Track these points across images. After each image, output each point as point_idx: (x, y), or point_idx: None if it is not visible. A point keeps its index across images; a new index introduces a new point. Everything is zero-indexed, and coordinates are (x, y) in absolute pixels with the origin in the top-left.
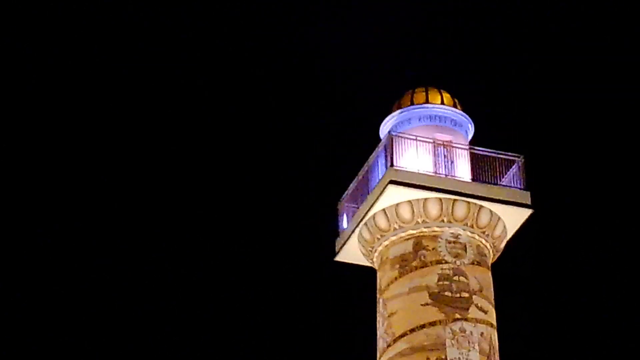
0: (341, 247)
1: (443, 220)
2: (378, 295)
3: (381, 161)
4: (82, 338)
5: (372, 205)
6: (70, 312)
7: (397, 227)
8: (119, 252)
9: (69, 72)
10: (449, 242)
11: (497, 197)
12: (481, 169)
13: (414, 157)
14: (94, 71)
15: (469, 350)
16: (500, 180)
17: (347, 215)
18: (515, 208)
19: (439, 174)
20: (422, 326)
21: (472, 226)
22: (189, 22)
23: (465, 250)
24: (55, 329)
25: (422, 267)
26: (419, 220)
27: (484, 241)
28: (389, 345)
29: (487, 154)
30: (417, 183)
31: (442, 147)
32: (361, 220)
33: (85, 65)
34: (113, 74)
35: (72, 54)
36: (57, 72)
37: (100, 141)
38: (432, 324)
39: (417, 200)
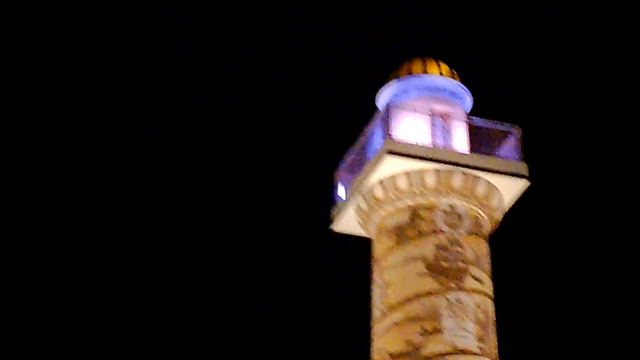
0: (337, 217)
1: (440, 191)
2: (374, 265)
3: (378, 132)
4: (81, 338)
5: (369, 176)
6: (69, 312)
7: (393, 198)
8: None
9: (68, 71)
10: (446, 213)
11: (494, 168)
12: (479, 140)
13: (411, 128)
14: (92, 70)
15: (465, 320)
16: (497, 151)
17: (344, 186)
18: (512, 179)
19: (437, 145)
20: (418, 296)
21: (468, 197)
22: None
23: (462, 221)
24: (55, 328)
25: (419, 237)
26: (416, 190)
27: (480, 212)
28: (384, 314)
29: (484, 125)
30: (414, 154)
31: (439, 118)
32: (358, 190)
33: (84, 64)
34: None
35: (71, 54)
36: (56, 71)
37: (97, 140)
38: (428, 293)
39: (414, 171)
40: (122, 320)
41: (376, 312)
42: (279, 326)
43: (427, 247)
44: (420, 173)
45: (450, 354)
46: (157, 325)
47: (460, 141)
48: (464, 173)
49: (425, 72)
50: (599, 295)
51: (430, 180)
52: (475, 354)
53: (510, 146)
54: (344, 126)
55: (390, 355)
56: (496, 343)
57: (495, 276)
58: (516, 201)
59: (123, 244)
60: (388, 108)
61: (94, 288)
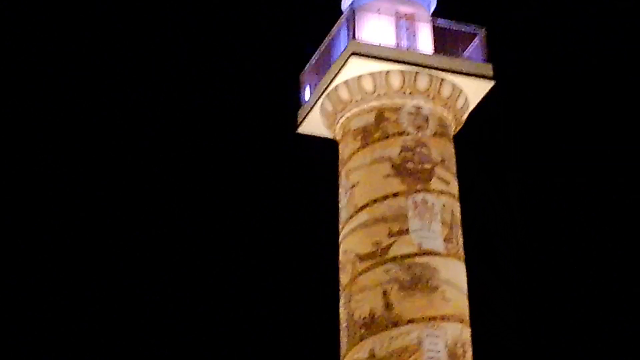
0: (303, 119)
1: (405, 93)
2: (340, 167)
3: (343, 33)
4: (81, 338)
5: (334, 77)
6: (69, 312)
7: (359, 99)
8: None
9: (68, 71)
10: (411, 114)
11: (459, 69)
12: (443, 42)
13: (376, 29)
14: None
15: (431, 222)
16: (462, 52)
17: (309, 87)
18: (477, 80)
19: (401, 46)
20: (385, 197)
21: (434, 98)
22: None
23: (427, 122)
24: (55, 328)
25: (384, 138)
26: (381, 92)
27: (445, 113)
28: (351, 217)
29: (449, 26)
30: (379, 55)
31: (404, 19)
32: (323, 92)
33: (84, 64)
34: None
35: (71, 54)
36: (56, 71)
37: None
38: (395, 195)
39: (379, 72)
40: (122, 320)
41: (343, 214)
42: (251, 227)
43: (392, 149)
44: (385, 74)
45: (416, 254)
46: (152, 321)
47: (425, 43)
48: (429, 74)
49: None
50: (567, 192)
51: (395, 82)
52: (441, 254)
53: (475, 47)
54: (309, 29)
55: (358, 256)
56: (462, 244)
57: (461, 177)
58: (481, 102)
59: (123, 244)
60: (352, 10)
61: (94, 288)
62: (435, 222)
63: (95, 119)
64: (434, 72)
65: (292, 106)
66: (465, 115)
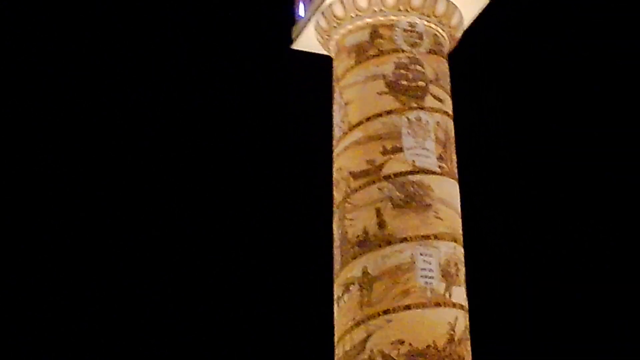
0: (298, 36)
1: (399, 9)
2: (334, 84)
3: None
4: (81, 338)
5: None
6: (69, 312)
7: (353, 16)
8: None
9: (68, 71)
10: (406, 31)
11: None
12: None
13: None
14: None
15: (425, 140)
16: None
17: (303, 4)
18: None
19: None
20: (378, 115)
21: (428, 15)
22: None
23: (422, 40)
24: (55, 328)
25: (379, 55)
26: (376, 8)
27: (440, 30)
28: (345, 134)
29: None
30: None
31: None
32: (318, 8)
33: (84, 64)
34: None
35: (71, 54)
36: (56, 71)
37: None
38: (388, 112)
39: None
40: (122, 320)
41: (337, 132)
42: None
43: (386, 66)
44: None
45: (410, 173)
46: (152, 321)
47: None
48: None
49: None
50: (561, 110)
51: None
52: (435, 172)
53: None
54: None
55: (351, 174)
56: (455, 162)
57: (455, 95)
58: (476, 19)
59: (123, 244)
60: None
61: (94, 288)
62: (429, 140)
63: (95, 119)
64: None
65: (287, 22)
66: (460, 33)
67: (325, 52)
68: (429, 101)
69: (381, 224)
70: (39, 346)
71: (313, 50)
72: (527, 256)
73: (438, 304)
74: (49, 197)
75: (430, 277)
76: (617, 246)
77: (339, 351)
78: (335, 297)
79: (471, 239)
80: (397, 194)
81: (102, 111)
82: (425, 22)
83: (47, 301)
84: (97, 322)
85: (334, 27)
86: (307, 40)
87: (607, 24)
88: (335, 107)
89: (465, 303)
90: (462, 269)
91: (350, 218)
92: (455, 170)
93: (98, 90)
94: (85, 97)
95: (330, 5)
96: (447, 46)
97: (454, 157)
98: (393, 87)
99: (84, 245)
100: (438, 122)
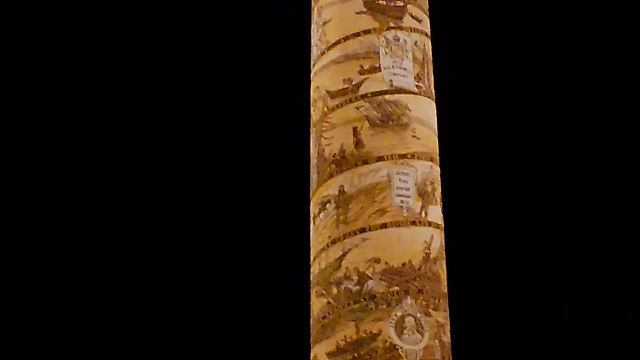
0: None
1: None
2: (313, 3)
3: None
4: (81, 338)
5: None
6: (69, 312)
7: None
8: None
9: (68, 71)
10: None
11: None
12: None
13: None
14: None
15: (403, 59)
16: None
17: None
18: None
19: None
20: (356, 34)
21: None
22: None
23: None
24: (55, 328)
25: None
26: None
27: None
28: (322, 53)
29: None
30: None
31: None
32: None
33: (84, 64)
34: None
35: (71, 54)
36: (56, 71)
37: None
38: (366, 32)
39: None
40: (122, 321)
41: (315, 51)
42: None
43: None
44: None
45: (387, 92)
46: (152, 321)
47: None
48: None
49: None
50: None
51: None
52: (412, 92)
53: None
54: None
55: (328, 93)
56: (433, 82)
57: (432, 15)
58: None
59: (123, 244)
60: None
61: (94, 288)
62: (406, 60)
63: (95, 119)
64: None
65: None
66: None
67: None
68: (407, 21)
69: (358, 143)
70: (39, 346)
71: None
72: (506, 174)
73: (414, 223)
74: (49, 197)
75: (407, 197)
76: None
77: (314, 269)
78: (311, 215)
79: (447, 159)
80: (374, 113)
81: (102, 111)
82: None
83: (47, 301)
84: (97, 322)
85: None
86: None
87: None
88: (313, 27)
89: (441, 222)
90: (439, 189)
91: (327, 137)
92: (433, 90)
93: (98, 90)
94: (85, 97)
95: None
96: None
97: (431, 76)
98: (371, 7)
99: (83, 245)
100: (416, 42)
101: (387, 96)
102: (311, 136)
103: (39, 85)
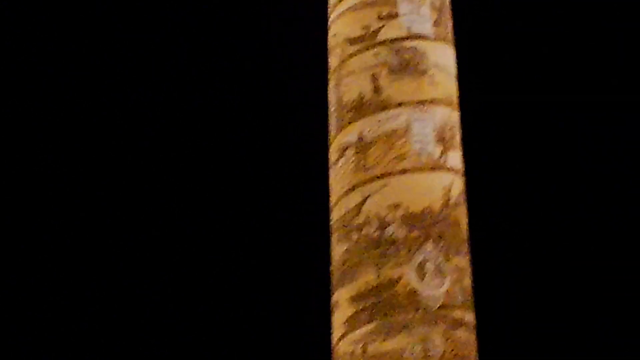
0: None
1: None
2: None
3: None
4: (81, 338)
5: None
6: (69, 312)
7: None
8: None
9: (68, 71)
10: None
11: None
12: None
13: None
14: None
15: (420, 5)
16: None
17: None
18: None
19: None
20: None
21: None
22: None
23: None
24: (55, 328)
25: None
26: None
27: None
28: (340, 0)
29: None
30: None
31: None
32: None
33: (84, 64)
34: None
35: (71, 54)
36: (56, 71)
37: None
38: None
39: None
40: (122, 320)
41: None
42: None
43: None
44: None
45: (405, 38)
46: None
47: None
48: None
49: None
50: None
51: None
52: (430, 38)
53: None
54: None
55: (347, 39)
56: (451, 27)
57: None
58: None
59: (123, 244)
60: None
61: (94, 288)
62: (424, 5)
63: (95, 119)
64: None
65: None
66: None
67: None
68: None
69: (377, 89)
70: (39, 346)
71: None
72: (530, 118)
73: (433, 169)
74: (49, 197)
75: (426, 142)
76: None
77: (334, 215)
78: (330, 162)
79: (467, 105)
80: (393, 59)
81: (102, 111)
82: None
83: (47, 301)
84: (97, 322)
85: None
86: None
87: None
88: None
89: (460, 167)
90: (458, 135)
91: (345, 83)
92: (451, 36)
93: (98, 90)
94: (85, 97)
95: None
96: None
97: (450, 22)
98: None
99: (83, 245)
100: None
101: (405, 42)
102: (329, 84)
103: (39, 85)
